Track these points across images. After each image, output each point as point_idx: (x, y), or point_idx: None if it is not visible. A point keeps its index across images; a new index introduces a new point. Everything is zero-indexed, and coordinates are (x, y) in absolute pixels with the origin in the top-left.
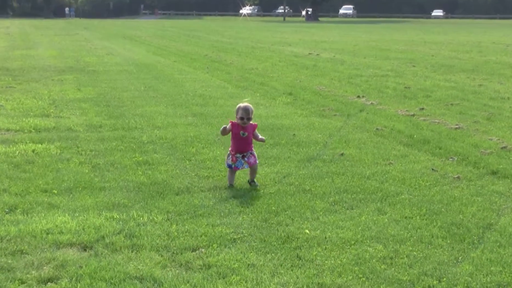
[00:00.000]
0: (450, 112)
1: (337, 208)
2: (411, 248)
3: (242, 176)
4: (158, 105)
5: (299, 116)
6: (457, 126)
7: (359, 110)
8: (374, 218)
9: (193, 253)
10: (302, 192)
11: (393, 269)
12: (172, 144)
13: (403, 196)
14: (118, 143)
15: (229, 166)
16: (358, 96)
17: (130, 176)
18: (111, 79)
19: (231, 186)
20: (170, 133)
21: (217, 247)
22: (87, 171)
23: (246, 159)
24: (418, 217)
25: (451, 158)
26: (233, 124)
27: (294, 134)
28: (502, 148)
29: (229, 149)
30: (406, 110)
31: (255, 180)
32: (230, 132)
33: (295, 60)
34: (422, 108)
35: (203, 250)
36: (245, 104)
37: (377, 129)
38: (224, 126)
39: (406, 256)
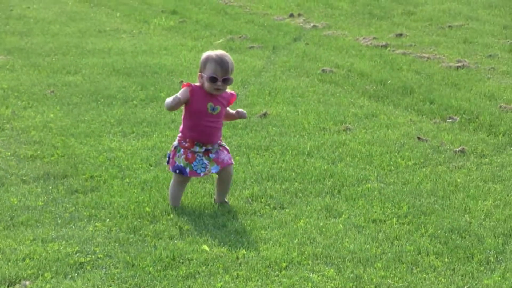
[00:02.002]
0: (447, 41)
1: (256, 208)
2: (383, 273)
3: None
4: None
5: (190, 50)
6: (459, 64)
7: (293, 38)
8: (321, 223)
9: None
10: (196, 181)
11: None
12: None
13: (369, 185)
14: None
15: (180, 170)
16: (292, 15)
17: None
18: None
19: (175, 205)
20: None
21: (52, 277)
22: None
23: (212, 156)
24: (395, 219)
25: (450, 118)
26: (193, 90)
27: (182, 81)
28: None
29: (178, 135)
30: (374, 38)
31: (226, 199)
32: (184, 106)
33: None
34: (400, 34)
35: (27, 283)
36: (219, 52)
37: (323, 70)
38: (176, 98)
39: (376, 287)
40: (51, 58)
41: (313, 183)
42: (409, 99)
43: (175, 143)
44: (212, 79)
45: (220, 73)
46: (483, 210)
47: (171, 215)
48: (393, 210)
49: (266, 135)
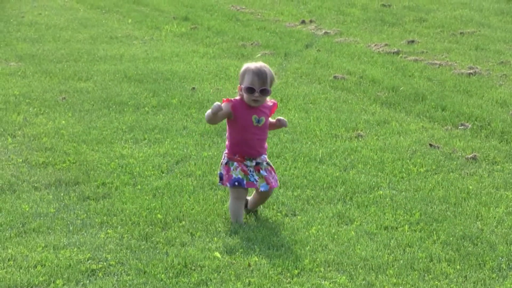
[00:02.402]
0: (459, 47)
1: (268, 214)
2: (395, 280)
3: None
4: None
5: (202, 57)
6: (471, 71)
7: (305, 45)
8: (333, 230)
9: None
10: (208, 188)
11: None
12: None
13: (381, 192)
14: None
15: (239, 182)
16: (303, 22)
17: None
18: None
19: (239, 222)
20: None
21: (64, 284)
22: None
23: (264, 173)
24: (406, 226)
25: (462, 125)
26: (235, 105)
27: (194, 87)
28: None
29: (225, 153)
30: (385, 45)
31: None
32: (227, 120)
33: None
34: (412, 41)
35: None
36: (259, 64)
37: (335, 77)
38: (216, 104)
39: None
40: (62, 64)
41: (325, 190)
42: (421, 106)
43: (224, 160)
44: (250, 90)
45: (258, 83)
46: (495, 217)
47: (183, 222)
48: (405, 217)
49: (278, 141)
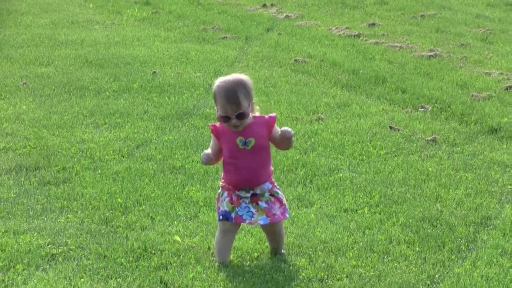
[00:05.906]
0: (420, 30)
1: None
2: (354, 262)
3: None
4: None
5: (163, 41)
6: (431, 53)
7: (266, 29)
8: (293, 213)
9: None
10: (168, 172)
11: None
12: None
13: (341, 175)
14: None
15: (225, 216)
16: (264, 5)
17: None
18: None
19: (224, 262)
20: None
21: (24, 269)
22: None
23: (263, 205)
24: (366, 208)
25: (422, 107)
26: (217, 130)
27: (155, 72)
28: (506, 88)
29: (221, 181)
30: (346, 28)
31: (283, 250)
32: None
33: None
34: (373, 24)
35: (0, 275)
36: (229, 80)
37: (296, 60)
38: (203, 156)
39: (347, 276)
40: (23, 49)
41: (285, 173)
42: (381, 88)
43: (219, 189)
44: (225, 119)
45: (231, 109)
46: (454, 199)
47: (143, 206)
48: (365, 200)
49: None
